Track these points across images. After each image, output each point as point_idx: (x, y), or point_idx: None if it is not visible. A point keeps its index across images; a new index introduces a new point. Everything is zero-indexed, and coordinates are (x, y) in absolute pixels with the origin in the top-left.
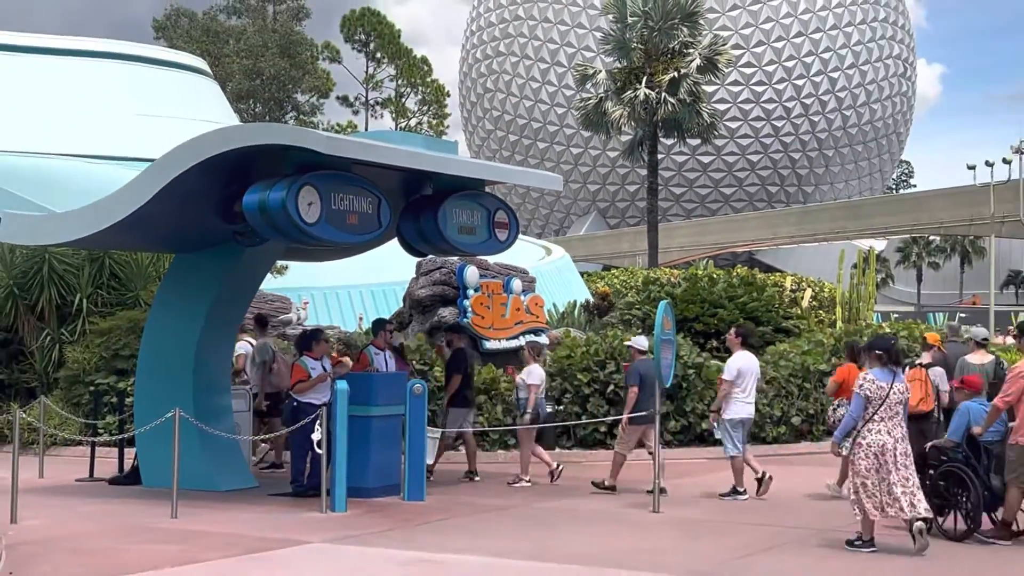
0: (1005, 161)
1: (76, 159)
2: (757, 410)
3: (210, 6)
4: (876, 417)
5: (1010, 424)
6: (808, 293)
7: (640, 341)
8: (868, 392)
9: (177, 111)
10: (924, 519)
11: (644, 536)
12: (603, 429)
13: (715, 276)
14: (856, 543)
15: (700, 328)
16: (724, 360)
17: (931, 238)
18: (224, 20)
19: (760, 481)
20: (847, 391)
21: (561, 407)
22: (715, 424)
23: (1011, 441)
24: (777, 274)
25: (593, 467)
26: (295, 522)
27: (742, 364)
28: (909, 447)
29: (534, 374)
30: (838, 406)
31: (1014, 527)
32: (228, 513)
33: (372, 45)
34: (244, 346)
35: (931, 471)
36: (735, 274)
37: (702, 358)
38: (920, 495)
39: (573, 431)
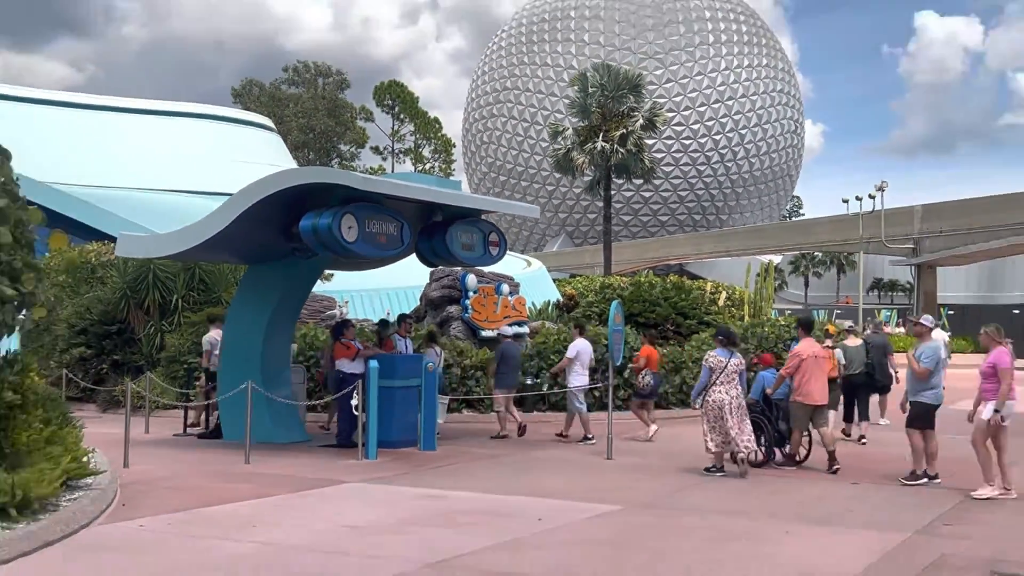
0: (871, 197)
1: (173, 193)
2: (686, 383)
3: (275, 78)
4: (718, 382)
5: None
6: (724, 295)
7: (506, 330)
8: (711, 364)
9: (249, 157)
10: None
11: (600, 477)
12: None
13: (654, 282)
14: (711, 469)
15: (642, 320)
16: (662, 346)
17: (815, 254)
18: (286, 89)
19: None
20: (651, 364)
21: (538, 380)
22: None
23: (792, 399)
24: (700, 280)
25: (559, 425)
26: (338, 467)
27: (580, 347)
28: (743, 402)
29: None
30: (645, 375)
31: (798, 457)
32: (287, 460)
33: (397, 108)
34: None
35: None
36: (669, 281)
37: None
38: (748, 437)
39: (546, 398)
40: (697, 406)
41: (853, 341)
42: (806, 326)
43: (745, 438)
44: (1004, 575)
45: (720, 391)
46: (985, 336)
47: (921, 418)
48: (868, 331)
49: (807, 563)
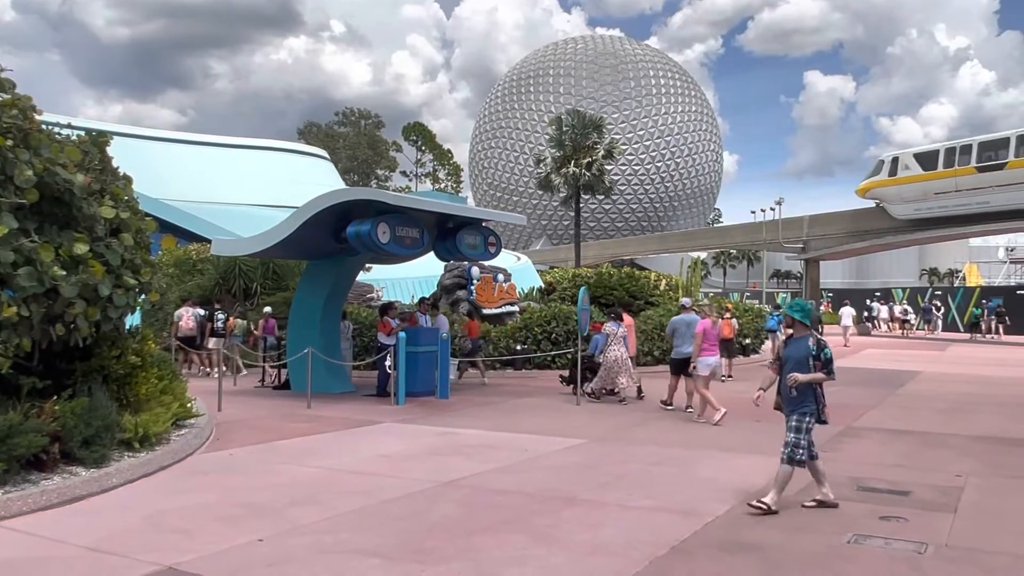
0: (772, 209)
1: (253, 207)
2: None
3: (328, 120)
4: (610, 344)
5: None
6: (664, 282)
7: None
8: (608, 332)
9: (310, 179)
10: (626, 391)
11: (571, 418)
12: (548, 359)
13: (612, 273)
14: (593, 396)
15: (604, 302)
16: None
17: (731, 251)
18: (337, 128)
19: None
20: (471, 333)
21: (525, 346)
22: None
23: (605, 357)
24: (647, 271)
25: (540, 380)
26: (376, 410)
27: (442, 321)
28: (628, 358)
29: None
30: (463, 339)
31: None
32: (338, 405)
33: (419, 142)
34: (186, 310)
35: (588, 370)
36: (623, 271)
37: (603, 319)
38: (629, 379)
39: (531, 360)
40: (599, 359)
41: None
42: (620, 307)
43: (624, 380)
44: (865, 488)
45: (613, 349)
46: (703, 312)
47: (673, 368)
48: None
49: (721, 479)
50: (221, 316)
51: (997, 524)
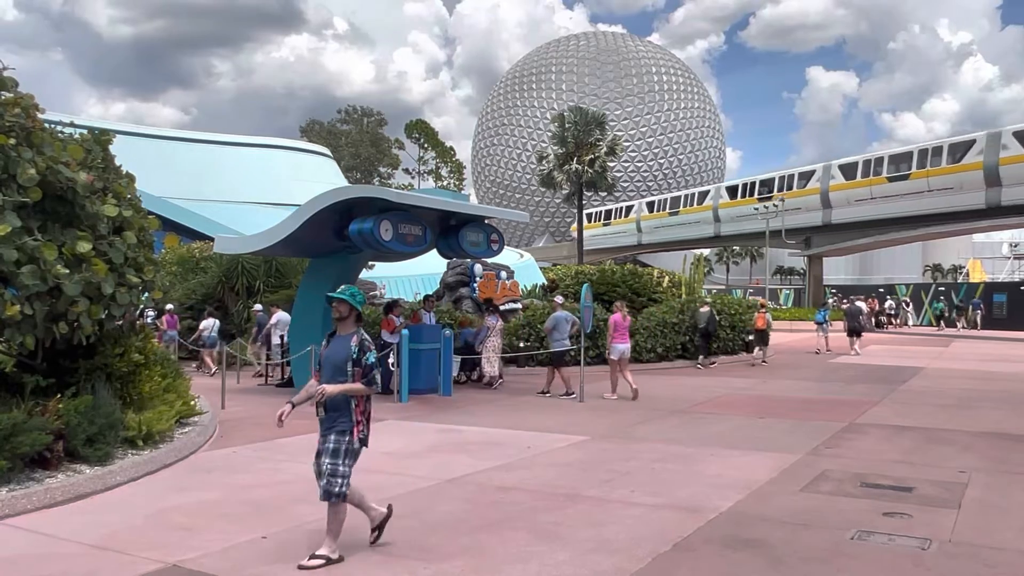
0: (775, 205)
1: (255, 204)
2: (638, 345)
3: (331, 118)
4: (490, 336)
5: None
6: (667, 279)
7: (509, 306)
8: (488, 325)
9: (313, 177)
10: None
11: (573, 416)
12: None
13: (615, 270)
14: (480, 381)
15: (607, 299)
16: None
17: (734, 247)
18: (339, 126)
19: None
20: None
21: (528, 343)
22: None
23: (485, 346)
24: (650, 268)
25: (543, 377)
26: (379, 408)
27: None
28: (498, 343)
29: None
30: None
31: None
32: None
33: (422, 139)
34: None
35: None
36: (626, 268)
37: (607, 315)
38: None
39: (534, 357)
40: (479, 348)
41: (705, 308)
42: (492, 307)
43: (498, 367)
44: (868, 484)
45: (493, 340)
46: (616, 306)
47: (554, 359)
48: (846, 303)
49: (726, 476)
50: (151, 313)
51: (1000, 520)
